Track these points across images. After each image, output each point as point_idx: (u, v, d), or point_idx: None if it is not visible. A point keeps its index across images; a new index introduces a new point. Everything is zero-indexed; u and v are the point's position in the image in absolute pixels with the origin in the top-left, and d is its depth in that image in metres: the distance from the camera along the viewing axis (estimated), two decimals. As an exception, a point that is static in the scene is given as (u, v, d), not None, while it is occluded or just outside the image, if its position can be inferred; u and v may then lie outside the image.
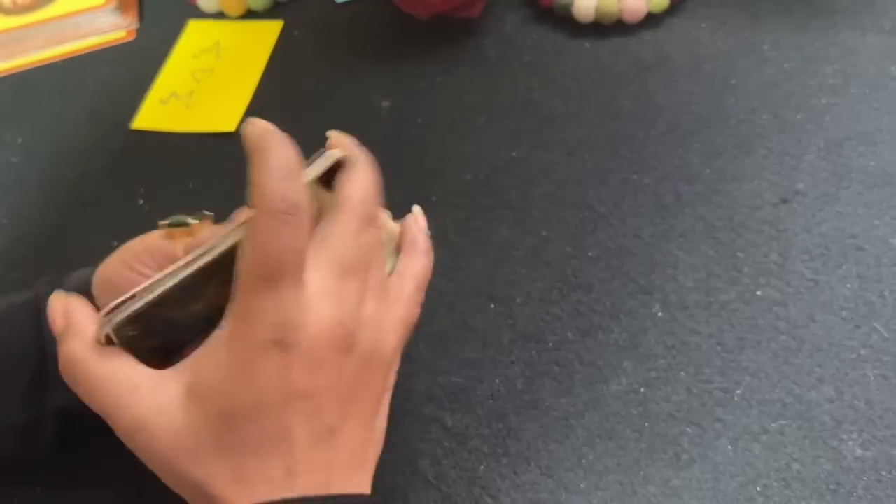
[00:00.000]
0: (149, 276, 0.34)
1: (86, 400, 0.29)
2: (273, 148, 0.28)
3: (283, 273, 0.27)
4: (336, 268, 0.29)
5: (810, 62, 0.52)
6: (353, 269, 0.29)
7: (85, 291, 0.36)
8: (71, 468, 0.42)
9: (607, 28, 0.57)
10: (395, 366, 0.33)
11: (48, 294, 0.37)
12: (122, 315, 0.29)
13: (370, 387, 0.31)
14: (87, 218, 0.53)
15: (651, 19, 0.56)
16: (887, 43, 0.52)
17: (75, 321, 0.30)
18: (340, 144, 0.32)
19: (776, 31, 0.54)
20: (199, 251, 0.30)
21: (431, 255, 0.35)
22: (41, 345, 0.36)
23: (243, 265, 0.28)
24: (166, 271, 0.30)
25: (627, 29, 0.56)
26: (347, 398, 0.29)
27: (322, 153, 0.33)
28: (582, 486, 0.38)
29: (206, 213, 0.37)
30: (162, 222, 0.36)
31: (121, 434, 0.29)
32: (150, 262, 0.35)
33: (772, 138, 0.48)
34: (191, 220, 0.35)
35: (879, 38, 0.52)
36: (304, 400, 0.28)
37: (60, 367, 0.29)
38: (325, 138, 0.37)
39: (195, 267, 0.29)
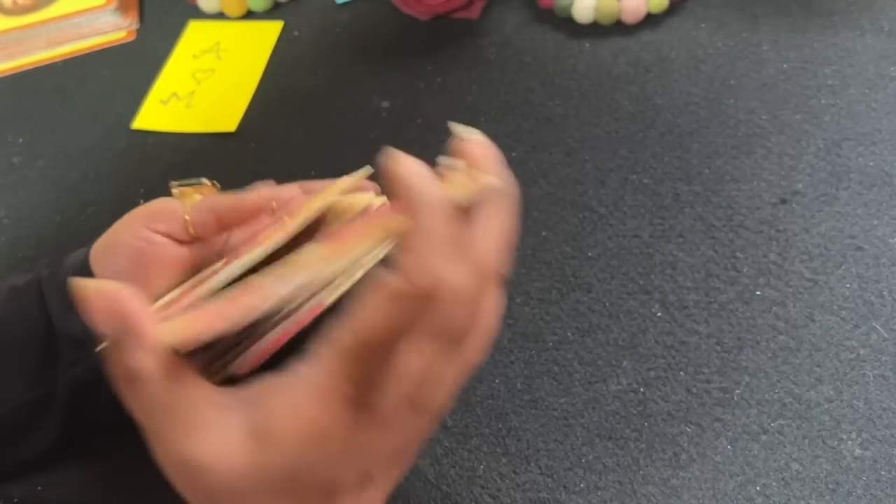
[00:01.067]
0: (155, 241, 0.34)
1: (139, 417, 0.26)
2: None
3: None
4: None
5: (809, 63, 0.52)
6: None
7: (83, 267, 0.36)
8: (72, 466, 0.42)
9: (607, 29, 0.57)
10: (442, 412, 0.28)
11: (50, 275, 0.37)
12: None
13: (420, 435, 0.27)
14: (88, 218, 0.54)
15: (650, 20, 0.57)
16: (886, 43, 0.52)
17: (137, 325, 0.24)
18: (482, 162, 0.27)
19: (775, 31, 0.54)
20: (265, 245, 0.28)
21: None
22: (47, 324, 0.36)
23: (357, 327, 0.24)
24: (230, 267, 0.28)
25: (627, 30, 0.57)
26: (400, 453, 0.27)
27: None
28: (581, 485, 0.38)
29: (215, 183, 0.37)
30: (173, 182, 0.36)
31: (166, 460, 0.26)
32: (155, 227, 0.35)
33: (770, 139, 0.48)
34: (206, 181, 0.35)
35: (878, 39, 0.52)
36: (364, 457, 0.25)
37: (117, 376, 0.25)
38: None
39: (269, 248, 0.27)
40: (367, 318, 0.24)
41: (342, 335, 0.24)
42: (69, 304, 0.36)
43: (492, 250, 0.26)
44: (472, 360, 0.27)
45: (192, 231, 0.36)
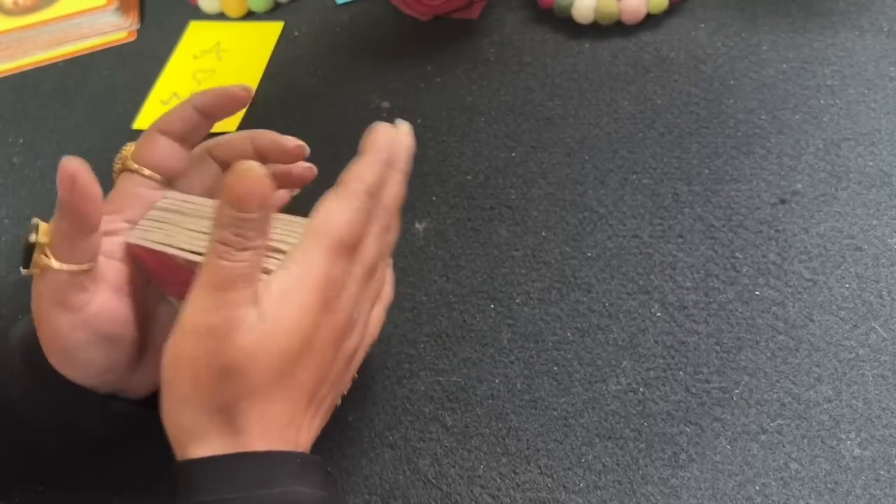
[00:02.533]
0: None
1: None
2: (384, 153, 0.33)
3: (353, 248, 0.32)
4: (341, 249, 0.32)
5: (808, 63, 0.52)
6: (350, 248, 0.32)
7: (31, 344, 0.34)
8: (72, 466, 0.42)
9: (606, 29, 0.57)
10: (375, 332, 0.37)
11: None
12: None
13: (356, 355, 0.35)
14: (89, 218, 0.54)
15: (650, 20, 0.57)
16: (885, 44, 0.52)
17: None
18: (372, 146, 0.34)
19: (774, 32, 0.54)
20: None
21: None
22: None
23: (322, 228, 0.31)
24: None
25: (626, 30, 0.57)
26: (346, 369, 0.34)
27: None
28: (581, 485, 0.38)
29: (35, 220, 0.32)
30: (25, 271, 0.32)
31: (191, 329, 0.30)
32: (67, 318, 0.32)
33: (770, 139, 0.49)
34: (37, 238, 0.32)
35: (877, 39, 0.52)
36: (334, 361, 0.33)
37: None
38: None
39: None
40: (333, 220, 0.31)
41: (327, 231, 0.31)
42: (45, 402, 0.35)
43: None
44: (382, 287, 0.36)
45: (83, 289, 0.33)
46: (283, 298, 0.30)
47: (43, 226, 0.32)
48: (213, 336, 0.29)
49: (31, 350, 0.33)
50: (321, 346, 0.31)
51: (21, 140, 0.60)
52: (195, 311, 0.29)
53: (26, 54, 0.66)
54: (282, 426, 0.30)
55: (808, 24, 0.54)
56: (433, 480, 0.39)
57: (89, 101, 0.62)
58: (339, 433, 0.42)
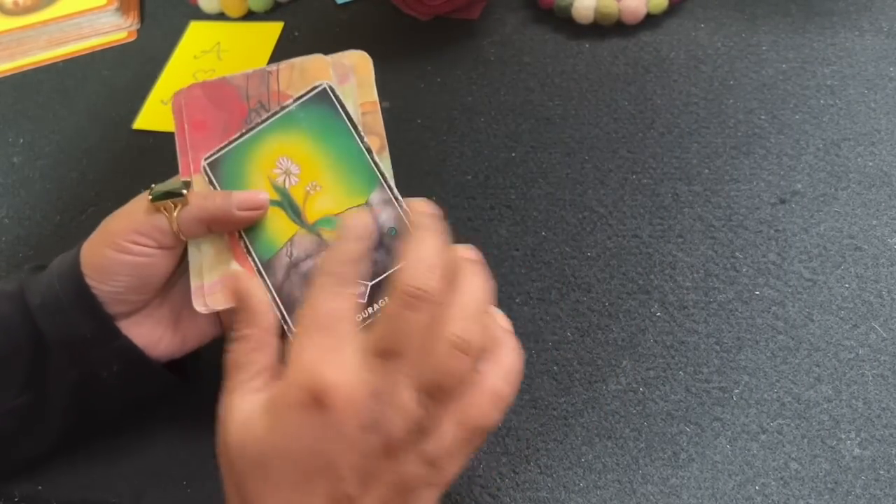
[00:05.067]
0: (147, 254, 0.36)
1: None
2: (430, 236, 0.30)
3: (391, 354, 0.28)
4: (380, 348, 0.28)
5: (808, 63, 0.52)
6: (395, 351, 0.28)
7: (74, 274, 0.36)
8: (72, 466, 0.42)
9: (606, 29, 0.57)
10: (448, 468, 0.29)
11: (34, 282, 0.37)
12: None
13: (399, 473, 0.28)
14: (89, 218, 0.54)
15: (650, 21, 0.57)
16: (885, 44, 0.52)
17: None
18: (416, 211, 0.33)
19: (774, 32, 0.54)
20: None
21: (518, 350, 0.31)
22: (32, 331, 0.37)
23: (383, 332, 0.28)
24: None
25: (626, 30, 0.57)
26: (369, 476, 0.28)
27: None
28: (581, 484, 0.38)
29: (185, 179, 0.37)
30: (150, 195, 0.36)
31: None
32: (143, 241, 0.36)
33: (770, 139, 0.49)
34: (183, 191, 0.36)
35: (877, 39, 0.52)
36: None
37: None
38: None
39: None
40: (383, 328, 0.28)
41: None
42: (58, 308, 0.36)
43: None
44: (462, 413, 0.29)
45: (182, 238, 0.37)
46: (279, 394, 0.29)
47: (193, 194, 0.36)
48: (220, 424, 0.30)
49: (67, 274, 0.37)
50: (341, 462, 0.27)
51: (21, 140, 0.60)
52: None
53: (26, 54, 0.66)
54: None
55: (808, 24, 0.54)
56: (433, 480, 0.39)
57: (89, 101, 0.62)
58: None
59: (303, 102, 0.37)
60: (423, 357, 0.27)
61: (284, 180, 0.37)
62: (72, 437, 0.40)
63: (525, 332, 0.43)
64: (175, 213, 0.36)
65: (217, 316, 0.40)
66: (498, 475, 0.39)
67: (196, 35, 0.65)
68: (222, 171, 0.38)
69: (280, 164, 0.37)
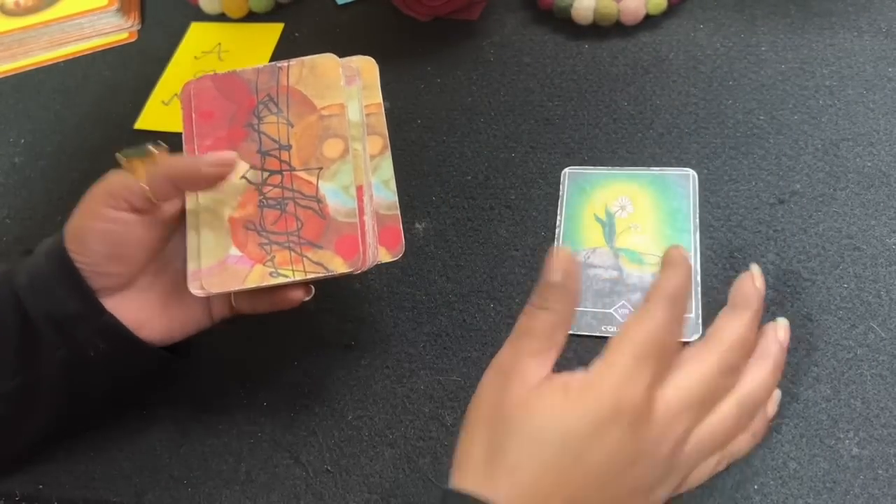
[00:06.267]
0: (123, 220, 0.36)
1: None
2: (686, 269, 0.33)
3: (663, 360, 0.31)
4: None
5: (807, 63, 0.52)
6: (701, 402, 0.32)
7: (58, 249, 0.37)
8: (73, 464, 0.42)
9: (606, 30, 0.57)
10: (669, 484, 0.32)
11: (21, 263, 0.38)
12: None
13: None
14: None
15: (649, 21, 0.57)
16: (884, 44, 0.52)
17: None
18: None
19: (773, 32, 0.54)
20: None
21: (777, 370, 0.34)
22: (20, 313, 0.37)
23: (639, 332, 0.31)
24: None
25: (626, 31, 0.57)
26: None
27: None
28: (580, 483, 0.38)
29: (161, 143, 0.38)
30: (120, 155, 0.37)
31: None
32: (117, 204, 0.36)
33: (769, 139, 0.49)
34: (151, 149, 0.37)
35: (876, 40, 0.52)
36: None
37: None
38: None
39: None
40: (645, 326, 0.31)
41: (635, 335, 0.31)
42: (44, 285, 0.37)
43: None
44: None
45: (153, 199, 0.37)
46: (584, 385, 0.30)
47: (162, 154, 0.37)
48: (500, 374, 0.32)
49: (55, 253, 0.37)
50: (594, 459, 0.29)
51: (22, 140, 0.61)
52: (499, 354, 0.32)
53: (28, 55, 0.66)
54: (530, 496, 0.29)
55: (807, 24, 0.54)
56: (433, 479, 0.39)
57: (90, 101, 0.62)
58: (338, 432, 0.42)
59: (671, 174, 0.47)
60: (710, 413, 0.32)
61: (617, 211, 0.46)
62: (66, 420, 0.40)
63: (525, 332, 0.43)
64: (144, 169, 0.37)
65: (207, 306, 0.40)
66: (497, 474, 0.39)
67: (197, 36, 0.65)
68: (578, 180, 0.47)
69: (621, 200, 0.46)
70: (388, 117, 0.42)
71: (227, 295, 0.39)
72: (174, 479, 0.41)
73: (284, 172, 0.38)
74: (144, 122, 0.59)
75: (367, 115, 0.41)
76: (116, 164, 0.38)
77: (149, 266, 0.39)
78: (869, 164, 0.46)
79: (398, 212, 0.41)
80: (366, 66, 0.42)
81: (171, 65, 0.63)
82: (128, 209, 0.36)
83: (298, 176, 0.38)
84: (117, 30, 0.67)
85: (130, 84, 0.63)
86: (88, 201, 0.37)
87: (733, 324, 0.33)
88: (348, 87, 0.40)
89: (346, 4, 0.65)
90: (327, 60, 0.40)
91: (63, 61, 0.66)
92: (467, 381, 0.42)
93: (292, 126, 0.39)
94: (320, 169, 0.38)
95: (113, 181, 0.37)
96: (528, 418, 0.30)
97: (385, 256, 0.40)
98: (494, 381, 0.32)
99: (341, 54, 0.41)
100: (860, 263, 0.42)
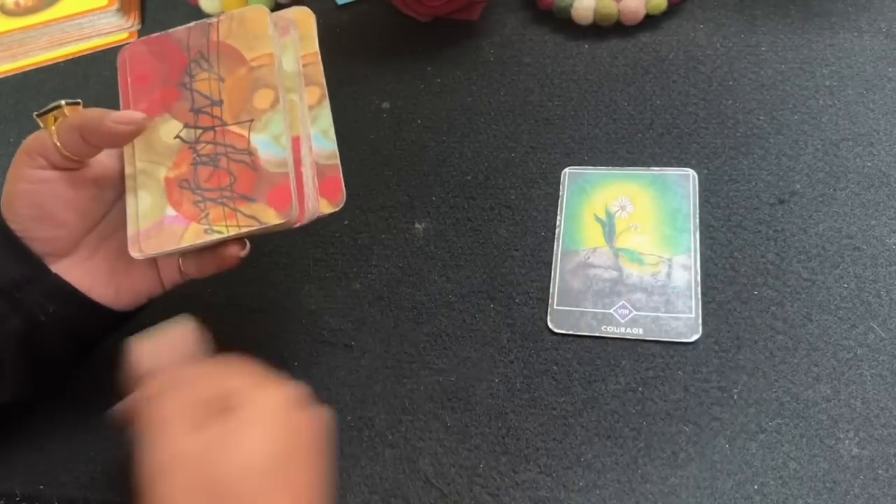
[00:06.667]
0: (44, 179, 0.36)
1: None
2: None
3: None
4: None
5: (807, 64, 0.52)
6: None
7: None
8: (74, 464, 0.42)
9: (606, 30, 0.57)
10: None
11: None
12: None
13: None
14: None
15: (649, 21, 0.57)
16: (884, 44, 0.52)
17: None
18: None
19: (773, 32, 0.54)
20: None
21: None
22: None
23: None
24: None
25: (626, 31, 0.57)
26: None
27: None
28: (580, 483, 0.38)
29: (78, 101, 0.38)
30: (35, 114, 0.37)
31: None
32: (35, 162, 0.36)
33: (769, 139, 0.49)
34: (61, 104, 0.37)
35: (876, 40, 0.52)
36: None
37: None
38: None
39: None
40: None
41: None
42: None
43: None
44: None
45: (64, 153, 0.36)
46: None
47: (72, 109, 0.37)
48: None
49: None
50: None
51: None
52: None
53: (28, 55, 0.66)
54: None
55: (807, 24, 0.54)
56: (433, 479, 0.39)
57: (91, 101, 0.62)
58: (339, 432, 0.42)
59: (672, 174, 0.47)
60: None
61: (617, 211, 0.46)
62: (30, 390, 0.40)
63: (524, 332, 0.43)
64: (56, 124, 0.36)
65: (156, 272, 0.40)
66: (498, 474, 0.39)
67: (197, 36, 0.65)
68: (578, 180, 0.48)
69: (621, 200, 0.46)
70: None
71: (176, 259, 0.39)
72: (174, 480, 0.41)
73: (217, 129, 0.38)
74: (144, 122, 0.59)
75: (305, 65, 0.40)
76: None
77: (91, 232, 0.39)
78: (869, 164, 0.46)
79: (338, 161, 0.40)
80: (302, 17, 0.41)
81: (170, 65, 0.63)
82: (47, 166, 0.36)
83: (230, 130, 0.38)
84: (117, 30, 0.67)
85: (130, 84, 0.63)
86: (12, 166, 0.37)
87: None
88: (282, 38, 0.40)
89: (346, 4, 0.65)
90: (255, 12, 0.39)
91: (63, 61, 0.66)
92: (467, 381, 0.42)
93: (223, 81, 0.38)
94: (251, 121, 0.38)
95: (29, 140, 0.36)
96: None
97: (326, 207, 0.39)
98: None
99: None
100: (860, 263, 0.43)
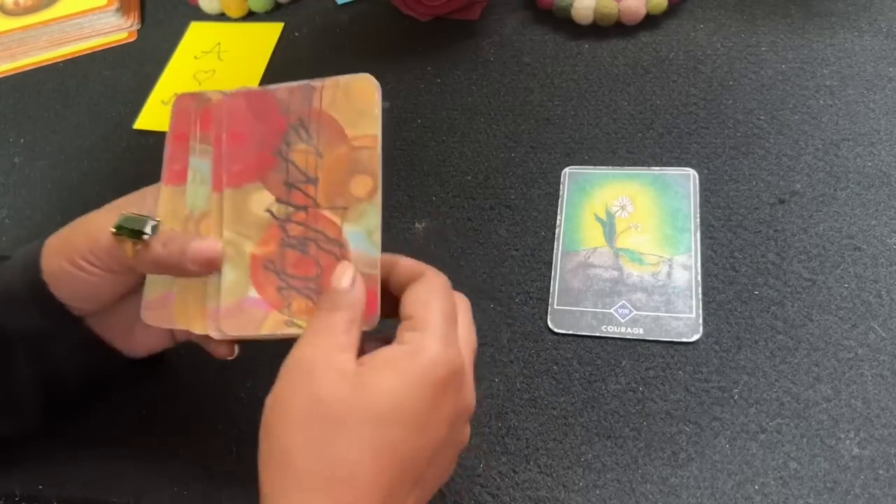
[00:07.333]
0: (97, 275, 0.36)
1: None
2: None
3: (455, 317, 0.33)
4: None
5: (807, 63, 0.52)
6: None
7: (34, 271, 0.36)
8: (73, 465, 0.42)
9: (606, 30, 0.57)
10: None
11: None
12: None
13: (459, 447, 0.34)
14: (89, 218, 0.54)
15: (649, 21, 0.57)
16: (884, 44, 0.52)
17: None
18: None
19: (773, 32, 0.54)
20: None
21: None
22: None
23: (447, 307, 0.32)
24: None
25: (626, 31, 0.57)
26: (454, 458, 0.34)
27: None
28: (581, 483, 0.38)
29: (159, 221, 0.35)
30: (114, 230, 0.35)
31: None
32: (97, 262, 0.36)
33: (769, 139, 0.49)
34: (146, 232, 0.34)
35: (876, 40, 0.52)
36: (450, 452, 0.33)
37: None
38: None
39: None
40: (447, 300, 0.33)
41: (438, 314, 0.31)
42: (19, 302, 0.36)
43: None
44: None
45: (135, 271, 0.36)
46: (409, 355, 0.30)
47: (154, 240, 0.35)
48: (306, 373, 0.31)
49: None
50: (435, 429, 0.30)
51: (22, 140, 0.61)
52: (295, 354, 0.31)
53: (27, 54, 0.66)
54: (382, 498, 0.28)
55: (807, 24, 0.54)
56: (433, 479, 0.39)
57: (90, 101, 0.62)
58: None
59: (672, 174, 0.47)
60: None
61: (617, 211, 0.46)
62: (48, 422, 0.41)
63: (524, 332, 0.43)
64: (134, 250, 0.35)
65: (170, 331, 0.39)
66: (498, 474, 0.39)
67: (196, 35, 0.65)
68: (579, 180, 0.48)
69: (621, 199, 0.46)
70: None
71: None
72: (174, 480, 0.41)
73: (309, 209, 0.34)
74: (144, 121, 0.59)
75: (358, 148, 0.35)
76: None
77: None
78: (869, 164, 0.46)
79: (378, 272, 0.33)
80: (361, 86, 0.35)
81: (170, 64, 0.63)
82: (106, 269, 0.36)
83: (323, 215, 0.34)
84: (117, 30, 0.67)
85: (130, 84, 0.63)
86: (72, 247, 0.36)
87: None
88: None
89: (346, 4, 0.65)
90: (363, 82, 0.35)
91: (62, 61, 0.66)
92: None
93: (321, 156, 0.35)
94: (345, 209, 0.34)
95: (102, 245, 0.35)
96: (359, 407, 0.28)
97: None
98: (301, 380, 0.29)
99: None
100: (861, 263, 0.42)
